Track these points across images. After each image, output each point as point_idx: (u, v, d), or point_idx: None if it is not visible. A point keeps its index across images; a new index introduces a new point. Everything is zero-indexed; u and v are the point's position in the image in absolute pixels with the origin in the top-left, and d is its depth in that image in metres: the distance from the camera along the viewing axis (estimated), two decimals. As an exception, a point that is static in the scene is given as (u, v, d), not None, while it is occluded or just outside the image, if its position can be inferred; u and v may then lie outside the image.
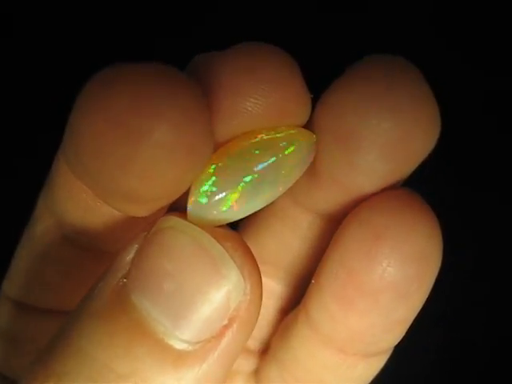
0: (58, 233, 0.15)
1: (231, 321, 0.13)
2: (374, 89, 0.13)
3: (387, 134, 0.13)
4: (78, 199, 0.14)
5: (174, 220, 0.13)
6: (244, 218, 0.18)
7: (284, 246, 0.17)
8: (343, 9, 0.29)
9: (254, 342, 0.18)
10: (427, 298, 0.15)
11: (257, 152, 0.13)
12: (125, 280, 0.13)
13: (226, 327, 0.13)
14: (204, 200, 0.13)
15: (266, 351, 0.18)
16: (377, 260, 0.13)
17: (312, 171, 0.14)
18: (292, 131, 0.14)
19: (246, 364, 0.18)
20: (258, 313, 0.13)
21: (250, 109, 0.13)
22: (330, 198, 0.15)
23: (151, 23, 0.29)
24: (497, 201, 0.30)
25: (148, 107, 0.11)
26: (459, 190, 0.29)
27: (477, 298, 0.29)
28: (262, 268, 0.17)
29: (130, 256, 0.13)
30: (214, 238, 0.13)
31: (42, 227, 0.16)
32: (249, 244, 0.17)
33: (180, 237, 0.13)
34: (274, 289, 0.18)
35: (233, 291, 0.13)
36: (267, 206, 0.16)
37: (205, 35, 0.27)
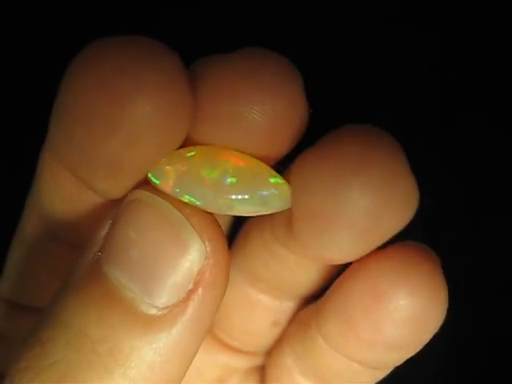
0: (46, 231, 0.16)
1: (196, 285, 0.13)
2: (347, 165, 0.13)
3: (359, 215, 0.13)
4: (63, 189, 0.15)
5: (139, 192, 0.14)
6: (236, 239, 0.18)
7: (273, 273, 0.17)
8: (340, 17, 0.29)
9: (247, 346, 0.19)
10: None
11: (233, 179, 0.14)
12: (99, 253, 0.14)
13: (192, 291, 0.13)
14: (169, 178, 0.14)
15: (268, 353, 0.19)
16: (374, 321, 0.14)
17: (289, 225, 0.15)
18: (272, 180, 0.14)
19: (242, 362, 0.19)
20: (226, 277, 0.14)
21: (246, 114, 0.13)
22: (306, 254, 0.15)
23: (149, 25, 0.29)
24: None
25: (133, 71, 0.12)
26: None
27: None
28: (257, 284, 0.18)
29: (104, 231, 0.14)
30: (173, 205, 0.13)
31: (30, 227, 0.17)
32: (243, 264, 0.18)
33: (143, 206, 0.13)
34: (269, 303, 0.18)
35: (194, 254, 0.13)
36: (255, 237, 0.17)
37: (207, 39, 0.27)
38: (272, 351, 0.19)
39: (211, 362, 0.19)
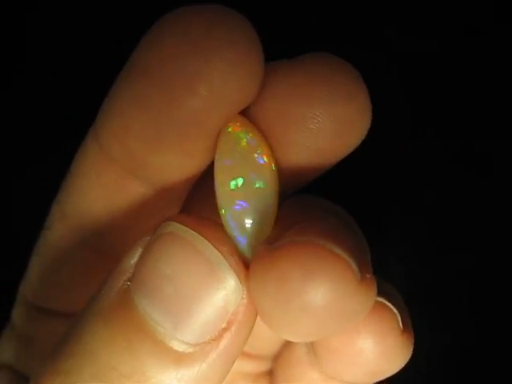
0: (74, 238, 0.16)
1: (229, 324, 0.13)
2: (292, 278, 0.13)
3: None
4: (106, 181, 0.15)
5: (173, 225, 0.13)
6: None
7: None
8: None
9: (256, 350, 0.19)
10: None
11: None
12: (129, 283, 0.13)
13: (225, 330, 0.13)
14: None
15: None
16: None
17: None
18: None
19: (251, 367, 0.19)
20: (256, 316, 0.14)
21: (319, 118, 0.14)
22: None
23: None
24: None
25: (217, 32, 0.13)
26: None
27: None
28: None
29: (134, 260, 0.14)
30: (211, 242, 0.13)
31: (56, 234, 0.16)
32: None
33: (177, 241, 0.13)
34: None
35: (230, 295, 0.13)
36: None
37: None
38: (281, 352, 0.19)
39: None
